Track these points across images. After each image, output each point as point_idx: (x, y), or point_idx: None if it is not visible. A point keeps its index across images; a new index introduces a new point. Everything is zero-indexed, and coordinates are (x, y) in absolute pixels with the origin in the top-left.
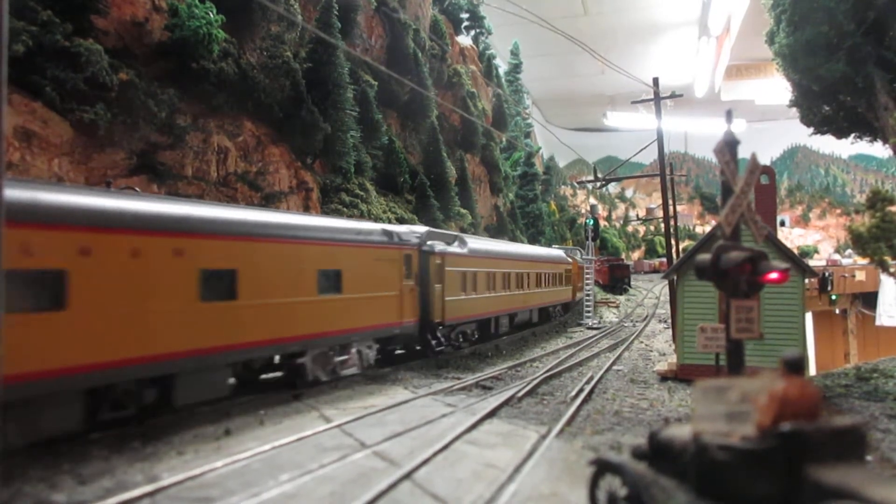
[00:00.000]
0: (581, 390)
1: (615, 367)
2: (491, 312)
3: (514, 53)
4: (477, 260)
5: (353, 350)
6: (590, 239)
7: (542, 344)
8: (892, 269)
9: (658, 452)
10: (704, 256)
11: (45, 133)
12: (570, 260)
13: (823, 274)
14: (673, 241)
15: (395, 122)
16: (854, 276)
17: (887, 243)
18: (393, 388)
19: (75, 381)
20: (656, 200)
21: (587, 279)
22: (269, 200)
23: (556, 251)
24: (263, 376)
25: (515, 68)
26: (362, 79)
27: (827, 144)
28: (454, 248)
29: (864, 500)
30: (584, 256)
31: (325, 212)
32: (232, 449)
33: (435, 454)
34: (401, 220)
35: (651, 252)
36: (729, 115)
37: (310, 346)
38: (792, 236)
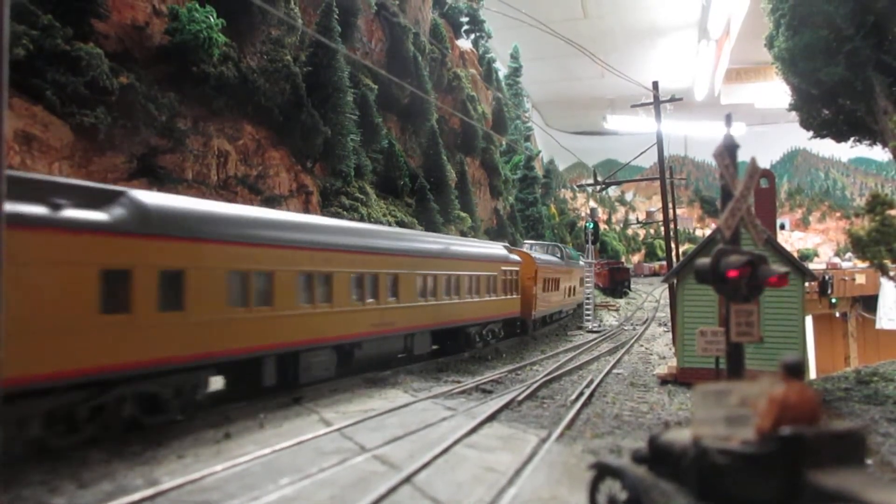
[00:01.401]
0: (581, 394)
1: (615, 371)
2: (253, 348)
3: (514, 57)
4: (176, 246)
5: None
6: (590, 242)
7: (542, 347)
8: (891, 273)
9: (658, 456)
10: (704, 260)
11: (46, 136)
12: (515, 259)
13: (823, 277)
14: (673, 245)
15: (394, 125)
16: (854, 279)
17: (887, 247)
18: (393, 391)
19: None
20: (656, 204)
21: (587, 282)
22: (269, 203)
23: (485, 245)
24: None
25: (515, 72)
26: (362, 82)
27: (827, 148)
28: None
29: None
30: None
31: (326, 215)
32: (232, 452)
33: (435, 458)
34: (401, 223)
35: (651, 255)
36: (728, 119)
37: None
38: (792, 239)
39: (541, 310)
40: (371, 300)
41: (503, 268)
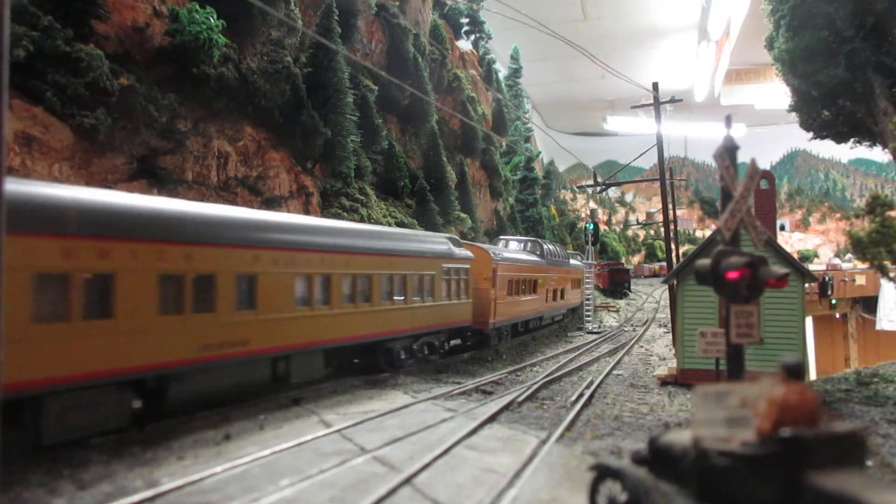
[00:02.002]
0: (581, 395)
1: (615, 372)
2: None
3: (514, 58)
4: None
5: None
6: (590, 243)
7: (543, 349)
8: (891, 274)
9: (658, 458)
10: (704, 261)
11: (46, 138)
12: (464, 255)
13: (823, 278)
14: (673, 246)
15: (395, 126)
16: (854, 280)
17: (887, 248)
18: (393, 392)
19: None
20: (656, 205)
21: (586, 283)
22: (269, 205)
23: (417, 238)
24: None
25: (515, 73)
26: (362, 83)
27: (827, 149)
28: None
29: None
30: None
31: (326, 216)
32: (232, 454)
33: (435, 459)
34: (401, 225)
35: (651, 256)
36: (728, 120)
37: None
38: (792, 240)
39: (504, 317)
40: (202, 311)
41: (446, 265)
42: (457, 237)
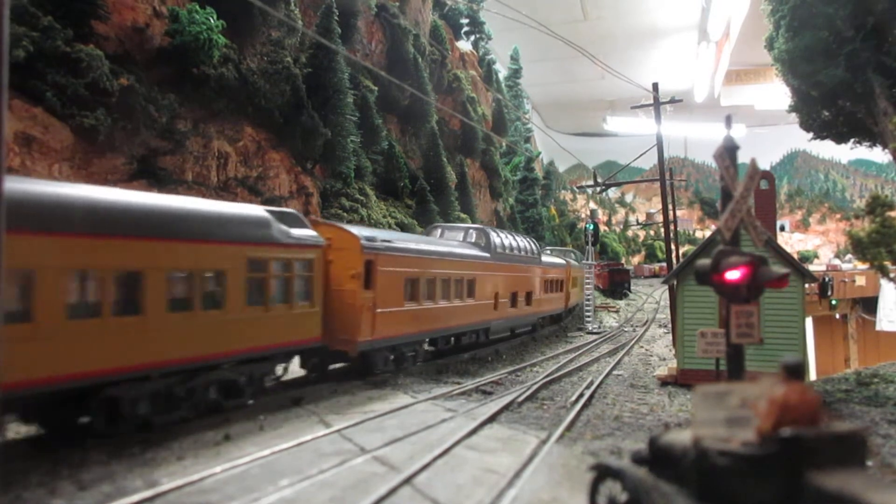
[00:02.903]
0: (581, 395)
1: (615, 372)
2: None
3: (514, 58)
4: None
5: None
6: (590, 243)
7: (543, 349)
8: (892, 275)
9: (658, 458)
10: (704, 261)
11: (46, 138)
12: (307, 238)
13: (823, 279)
14: (673, 246)
15: (395, 127)
16: (854, 280)
17: (887, 248)
18: (393, 392)
19: None
20: (656, 205)
21: (587, 284)
22: (269, 205)
23: (184, 214)
24: None
25: (515, 73)
26: (362, 84)
27: (826, 149)
28: None
29: None
30: (584, 261)
31: (326, 216)
32: (231, 454)
33: (435, 459)
34: (401, 225)
35: (651, 257)
36: (728, 121)
37: None
38: (792, 241)
39: (393, 333)
40: None
41: (258, 255)
42: (296, 212)
